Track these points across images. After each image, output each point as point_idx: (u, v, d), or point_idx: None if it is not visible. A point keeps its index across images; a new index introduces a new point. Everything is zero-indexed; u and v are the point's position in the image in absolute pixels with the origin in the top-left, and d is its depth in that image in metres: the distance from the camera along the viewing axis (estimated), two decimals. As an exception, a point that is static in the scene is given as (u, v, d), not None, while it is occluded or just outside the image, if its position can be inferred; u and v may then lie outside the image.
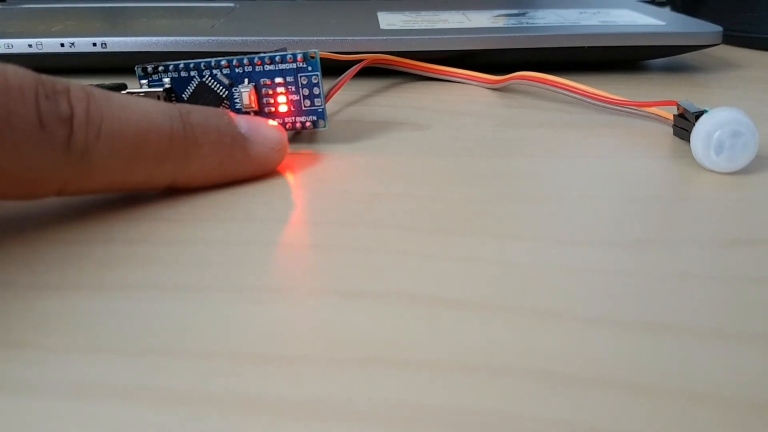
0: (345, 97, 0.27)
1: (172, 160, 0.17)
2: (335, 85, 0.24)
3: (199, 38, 0.29)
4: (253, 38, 0.29)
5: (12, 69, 0.14)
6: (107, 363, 0.12)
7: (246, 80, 0.21)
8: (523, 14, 0.34)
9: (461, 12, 0.34)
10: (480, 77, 0.29)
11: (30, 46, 0.29)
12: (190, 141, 0.17)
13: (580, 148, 0.22)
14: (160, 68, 0.21)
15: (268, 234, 0.16)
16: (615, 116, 0.25)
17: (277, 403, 0.11)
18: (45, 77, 0.14)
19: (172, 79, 0.21)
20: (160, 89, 0.21)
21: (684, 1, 0.45)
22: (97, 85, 0.16)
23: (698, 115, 0.21)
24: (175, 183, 0.17)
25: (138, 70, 0.21)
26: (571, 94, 0.26)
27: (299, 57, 0.20)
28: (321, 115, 0.21)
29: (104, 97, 0.15)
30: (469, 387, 0.11)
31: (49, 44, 0.29)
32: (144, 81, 0.21)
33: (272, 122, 0.20)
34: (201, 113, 0.18)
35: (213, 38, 0.29)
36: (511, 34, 0.29)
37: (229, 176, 0.19)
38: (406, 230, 0.16)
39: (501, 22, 0.32)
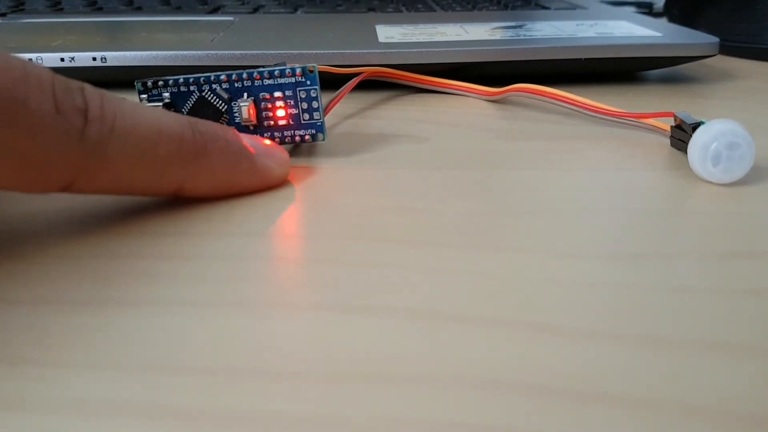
0: (344, 110, 0.28)
1: (182, 164, 0.17)
2: (334, 99, 0.24)
3: (199, 52, 0.29)
4: (252, 52, 0.29)
5: (30, 63, 0.15)
6: (106, 379, 0.12)
7: (245, 94, 0.21)
8: (520, 26, 0.34)
9: (459, 24, 0.35)
10: (478, 89, 0.29)
11: (30, 60, 0.29)
12: (200, 146, 0.17)
13: (577, 160, 0.22)
14: (160, 83, 0.21)
15: (266, 248, 0.16)
16: (612, 128, 0.25)
17: (276, 418, 0.11)
18: (60, 75, 0.15)
19: (171, 93, 0.21)
20: (160, 104, 0.21)
21: (681, 12, 0.45)
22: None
23: (695, 126, 0.21)
24: (183, 189, 0.18)
25: (138, 85, 0.21)
26: (569, 105, 0.26)
27: (298, 71, 0.21)
28: (320, 128, 0.21)
29: (117, 98, 0.16)
30: (468, 402, 0.11)
31: (49, 59, 0.29)
32: (144, 96, 0.21)
33: (267, 142, 0.20)
34: (208, 124, 0.18)
35: (212, 52, 0.29)
36: (509, 47, 0.30)
37: (235, 186, 0.19)
38: (405, 244, 0.16)
39: (498, 35, 0.32)
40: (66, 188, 0.15)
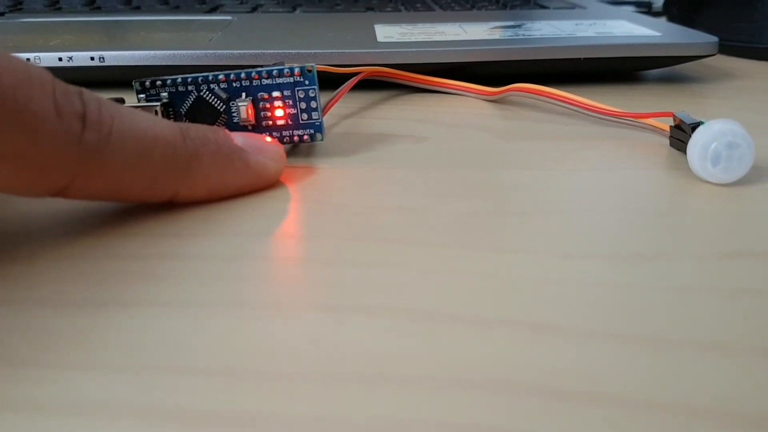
0: (342, 110, 0.27)
1: (176, 170, 0.17)
2: (332, 98, 0.24)
3: (197, 52, 0.29)
4: (250, 51, 0.29)
5: (33, 65, 0.15)
6: (105, 380, 0.12)
7: (243, 94, 0.21)
8: (519, 26, 0.34)
9: (458, 24, 0.35)
10: (477, 89, 0.29)
11: (28, 60, 0.29)
12: (191, 152, 0.17)
13: (576, 160, 0.22)
14: (158, 83, 0.21)
15: (265, 249, 0.16)
16: (611, 128, 0.25)
17: (275, 419, 0.11)
18: (58, 79, 0.15)
19: (169, 93, 0.21)
20: (158, 104, 0.21)
21: (680, 12, 0.45)
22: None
23: (694, 126, 0.21)
24: (178, 196, 0.18)
25: (136, 84, 0.21)
26: (568, 105, 0.26)
27: (296, 71, 0.21)
28: (318, 128, 0.21)
29: (113, 104, 0.16)
30: (467, 402, 0.11)
31: (47, 58, 0.29)
32: (142, 96, 0.21)
33: (268, 139, 0.20)
34: (198, 128, 0.18)
35: (211, 52, 0.29)
36: (508, 46, 0.30)
37: (231, 187, 0.19)
38: (404, 244, 0.16)
39: (497, 34, 0.32)
40: (61, 192, 0.15)
